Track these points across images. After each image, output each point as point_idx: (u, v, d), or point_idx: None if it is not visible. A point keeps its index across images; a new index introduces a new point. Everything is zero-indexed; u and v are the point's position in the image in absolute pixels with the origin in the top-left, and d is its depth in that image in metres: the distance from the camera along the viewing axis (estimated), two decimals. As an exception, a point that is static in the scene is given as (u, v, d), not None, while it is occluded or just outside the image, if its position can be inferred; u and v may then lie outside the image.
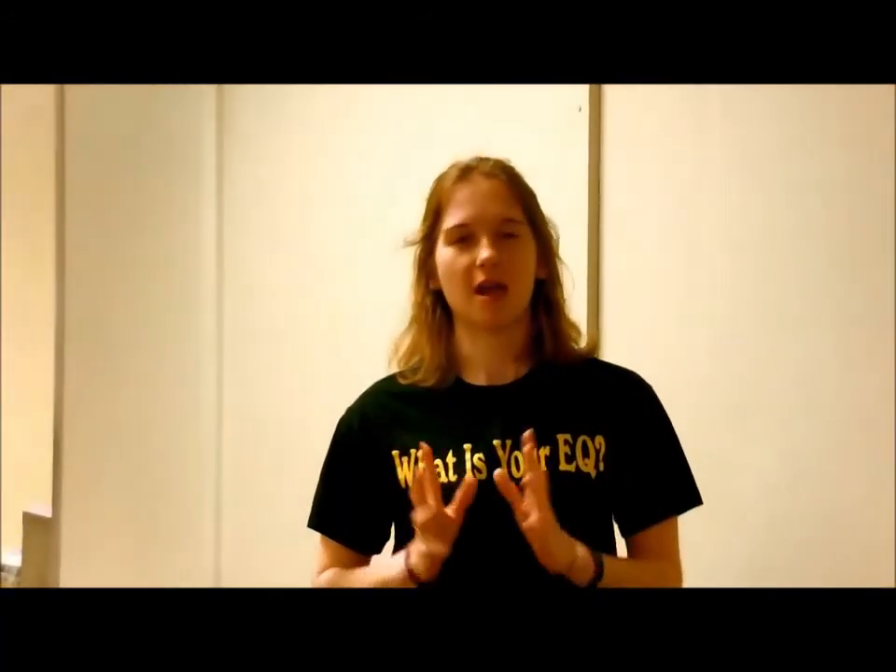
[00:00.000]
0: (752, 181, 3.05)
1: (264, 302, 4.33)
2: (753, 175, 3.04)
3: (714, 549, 3.04)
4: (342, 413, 2.71)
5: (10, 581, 5.33)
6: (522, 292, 2.43)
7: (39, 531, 4.91)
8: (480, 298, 2.38)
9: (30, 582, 5.18)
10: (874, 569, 2.76)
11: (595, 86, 3.38)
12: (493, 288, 2.39)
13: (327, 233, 4.05)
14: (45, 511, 4.78)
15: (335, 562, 2.60)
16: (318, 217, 4.09)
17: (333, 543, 2.58)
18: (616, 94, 3.35)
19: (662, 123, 3.24)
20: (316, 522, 2.61)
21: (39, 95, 5.11)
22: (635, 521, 2.48)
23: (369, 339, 2.82)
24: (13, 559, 5.28)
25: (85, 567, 4.71)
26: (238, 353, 4.41)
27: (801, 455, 2.89)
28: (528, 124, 3.49)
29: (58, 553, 4.70)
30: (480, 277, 2.37)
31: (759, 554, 3.07)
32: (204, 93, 4.56)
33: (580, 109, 3.34)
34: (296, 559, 2.84)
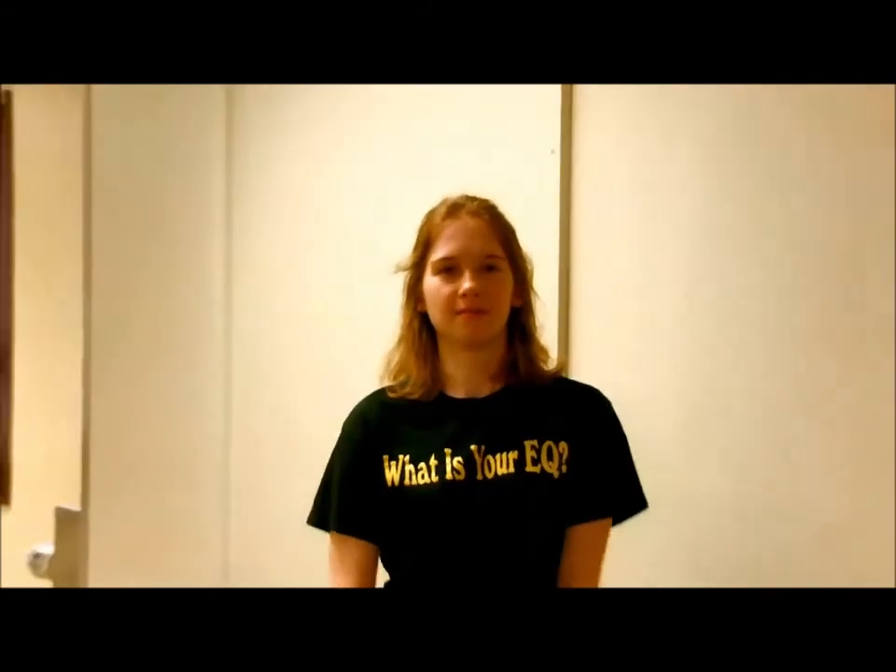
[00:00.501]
0: (721, 210, 3.04)
1: (270, 316, 4.34)
2: (723, 203, 3.02)
3: (678, 549, 3.12)
4: (341, 417, 2.80)
5: (44, 569, 5.45)
6: (499, 316, 2.54)
7: (69, 524, 5.04)
8: (461, 316, 2.50)
9: (61, 570, 5.28)
10: (827, 568, 2.81)
11: (566, 128, 3.38)
12: (474, 311, 2.50)
13: (325, 258, 4.11)
14: (74, 506, 4.91)
15: (359, 562, 2.68)
16: (318, 245, 4.14)
17: (354, 542, 2.65)
18: (587, 133, 3.37)
19: (631, 159, 3.26)
20: (338, 522, 2.67)
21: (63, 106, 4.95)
22: (579, 514, 2.56)
23: (368, 350, 2.89)
24: (47, 549, 5.42)
25: (110, 555, 4.76)
26: (246, 358, 4.42)
27: (757, 462, 2.93)
28: (505, 164, 3.54)
29: (86, 543, 4.71)
30: (462, 305, 2.48)
31: (721, 554, 3.09)
32: (214, 119, 4.53)
33: (552, 152, 3.36)
34: (305, 557, 2.90)
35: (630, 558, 3.03)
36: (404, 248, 2.73)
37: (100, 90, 4.74)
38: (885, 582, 2.69)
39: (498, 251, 2.56)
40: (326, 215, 4.09)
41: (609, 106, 3.40)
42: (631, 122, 3.30)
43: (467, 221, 2.57)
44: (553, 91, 3.46)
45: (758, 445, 3.00)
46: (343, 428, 2.70)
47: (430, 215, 2.61)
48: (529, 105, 3.55)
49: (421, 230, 2.62)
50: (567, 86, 3.43)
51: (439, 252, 2.55)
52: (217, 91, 4.40)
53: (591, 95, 3.43)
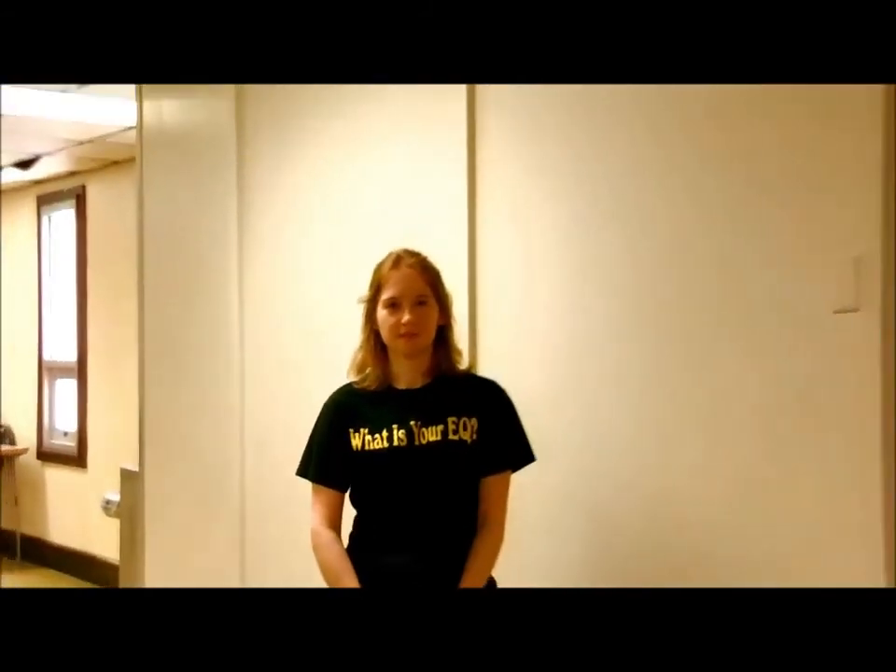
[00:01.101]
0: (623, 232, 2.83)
1: (276, 328, 4.02)
2: (628, 222, 2.81)
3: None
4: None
5: (113, 511, 5.45)
6: (428, 336, 2.64)
7: (131, 480, 5.04)
8: (402, 338, 2.59)
9: (125, 515, 5.28)
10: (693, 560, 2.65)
11: (471, 154, 3.19)
12: (410, 335, 2.60)
13: (320, 292, 3.80)
14: (134, 467, 4.91)
15: (328, 503, 2.67)
16: (312, 276, 3.85)
17: (325, 489, 2.68)
18: (488, 155, 3.19)
19: (534, 182, 3.06)
20: (315, 474, 2.70)
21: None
22: (487, 468, 2.64)
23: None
24: (115, 497, 5.42)
25: (159, 504, 4.65)
26: (258, 364, 4.13)
27: (633, 450, 2.81)
28: (419, 211, 3.38)
29: (143, 493, 4.66)
30: (402, 330, 2.58)
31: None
32: (228, 189, 4.19)
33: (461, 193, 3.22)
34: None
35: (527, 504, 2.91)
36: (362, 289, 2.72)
37: (149, 176, 4.69)
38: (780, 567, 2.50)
39: (427, 291, 2.64)
40: (322, 249, 3.82)
41: (509, 130, 3.15)
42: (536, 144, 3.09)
43: (405, 271, 2.64)
44: (458, 116, 3.23)
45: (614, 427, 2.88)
46: (322, 409, 2.77)
47: (380, 266, 2.68)
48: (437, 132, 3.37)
49: (374, 276, 2.69)
50: (471, 106, 3.21)
51: (386, 293, 2.63)
52: (230, 163, 4.20)
53: (492, 116, 3.18)
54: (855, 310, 2.32)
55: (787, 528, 2.48)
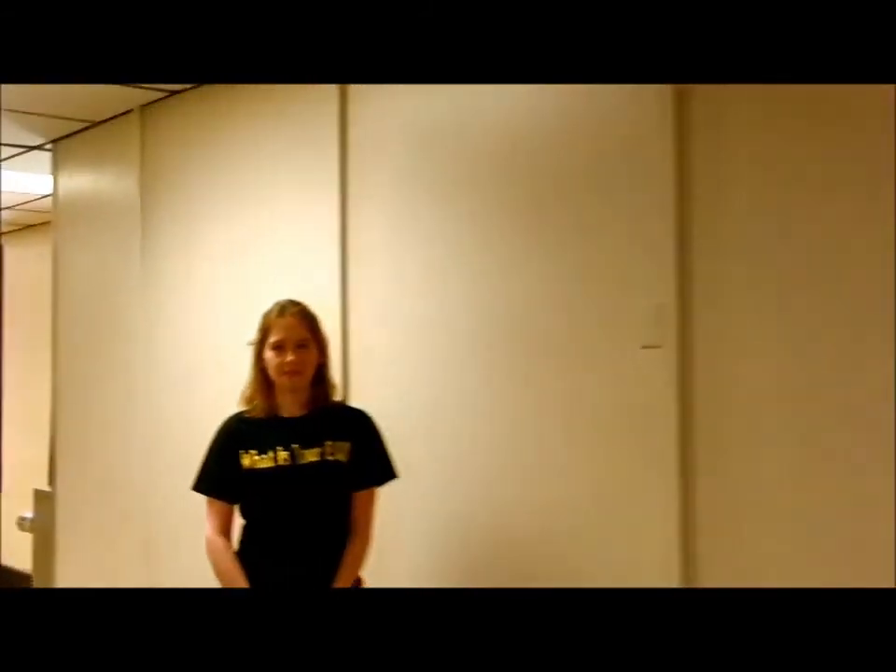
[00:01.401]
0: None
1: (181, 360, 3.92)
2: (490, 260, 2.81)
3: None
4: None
5: (27, 527, 5.25)
6: (308, 375, 2.69)
7: (44, 500, 4.89)
8: (285, 375, 2.64)
9: (38, 530, 5.11)
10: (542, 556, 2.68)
11: (343, 219, 3.18)
12: (293, 373, 2.65)
13: (212, 332, 3.77)
14: (47, 488, 4.78)
15: (220, 514, 2.67)
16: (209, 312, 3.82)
17: (217, 502, 2.69)
18: (357, 221, 3.18)
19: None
20: (208, 488, 2.71)
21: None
22: (357, 485, 2.69)
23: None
24: (29, 515, 5.23)
25: (73, 520, 4.55)
26: (157, 391, 4.02)
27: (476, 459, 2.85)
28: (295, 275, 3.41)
29: (54, 515, 4.61)
30: (286, 368, 2.64)
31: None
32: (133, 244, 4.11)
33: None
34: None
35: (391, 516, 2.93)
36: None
37: (63, 237, 4.64)
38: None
39: (308, 335, 2.71)
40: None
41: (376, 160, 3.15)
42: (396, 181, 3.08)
43: (289, 319, 2.70)
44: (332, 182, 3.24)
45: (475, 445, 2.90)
46: (215, 433, 2.78)
47: (268, 313, 2.73)
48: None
49: (262, 322, 2.73)
50: (343, 140, 3.21)
51: (272, 337, 2.69)
52: (135, 228, 4.16)
53: (362, 149, 3.18)
54: (658, 346, 2.43)
55: (596, 535, 2.58)
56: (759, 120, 2.33)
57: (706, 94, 2.41)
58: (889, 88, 2.09)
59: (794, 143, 2.28)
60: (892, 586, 2.04)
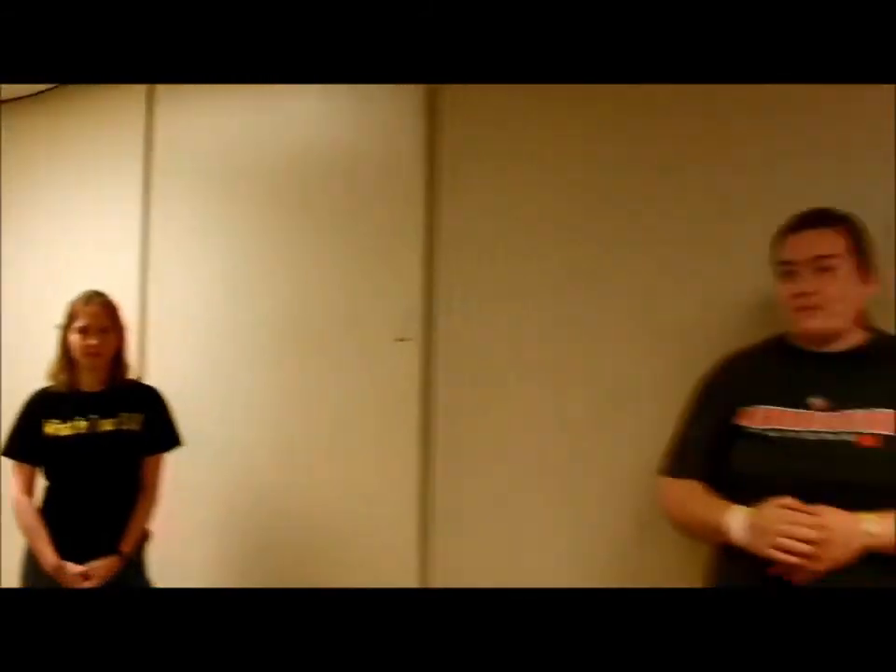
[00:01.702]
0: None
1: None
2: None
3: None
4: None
5: None
6: (108, 354, 2.78)
7: None
8: (87, 356, 2.75)
9: None
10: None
11: (145, 227, 3.22)
12: (94, 355, 2.75)
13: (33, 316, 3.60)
14: None
15: (24, 475, 2.72)
16: None
17: (22, 464, 2.76)
18: (161, 222, 3.18)
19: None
20: (14, 452, 2.76)
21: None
22: (148, 450, 2.79)
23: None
24: None
25: None
26: None
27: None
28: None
29: None
30: (89, 350, 2.74)
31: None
32: None
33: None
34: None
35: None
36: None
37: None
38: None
39: (108, 323, 2.81)
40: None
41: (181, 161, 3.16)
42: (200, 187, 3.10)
43: (93, 307, 2.80)
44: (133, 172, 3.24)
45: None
46: (23, 404, 2.81)
47: (74, 302, 2.82)
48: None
49: (69, 309, 2.80)
50: (148, 138, 3.21)
51: (78, 323, 2.79)
52: None
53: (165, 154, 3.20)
54: (410, 339, 2.60)
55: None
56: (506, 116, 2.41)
57: (454, 91, 2.49)
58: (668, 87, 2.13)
59: (541, 137, 2.32)
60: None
